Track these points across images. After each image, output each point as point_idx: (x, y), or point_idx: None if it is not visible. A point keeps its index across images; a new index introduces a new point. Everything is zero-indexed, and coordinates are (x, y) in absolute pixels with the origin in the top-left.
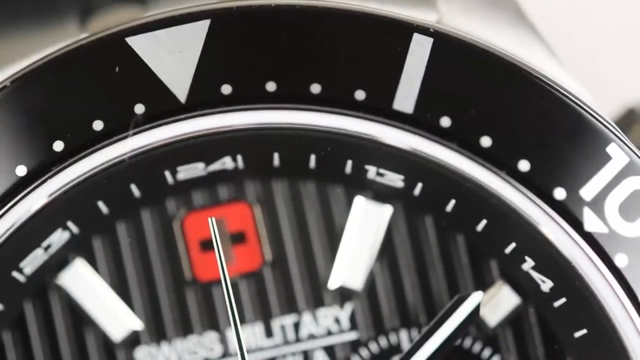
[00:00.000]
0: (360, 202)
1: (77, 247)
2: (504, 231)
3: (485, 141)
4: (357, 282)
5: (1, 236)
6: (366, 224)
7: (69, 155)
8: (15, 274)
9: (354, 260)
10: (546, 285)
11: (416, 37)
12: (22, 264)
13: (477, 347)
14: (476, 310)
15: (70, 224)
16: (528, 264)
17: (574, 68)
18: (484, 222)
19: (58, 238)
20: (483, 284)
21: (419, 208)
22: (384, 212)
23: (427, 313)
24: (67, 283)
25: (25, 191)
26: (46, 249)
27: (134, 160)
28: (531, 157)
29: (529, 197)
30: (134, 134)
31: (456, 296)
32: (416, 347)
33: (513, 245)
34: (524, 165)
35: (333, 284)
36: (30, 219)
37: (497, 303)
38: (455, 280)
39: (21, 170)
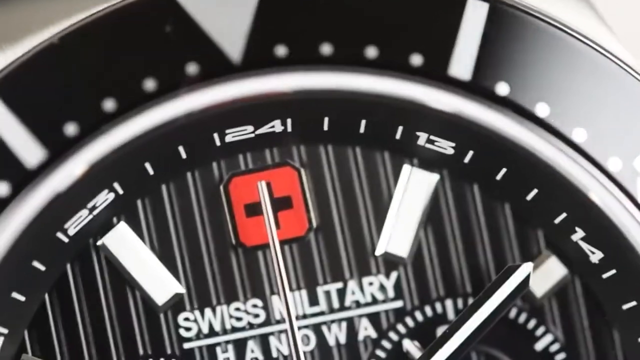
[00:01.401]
0: (408, 169)
1: (122, 209)
2: (554, 201)
3: (541, 109)
4: (403, 250)
5: (48, 197)
6: (414, 191)
7: (118, 114)
8: (59, 234)
9: (400, 227)
10: (595, 256)
11: (472, 1)
12: (66, 225)
13: (522, 318)
14: (526, 281)
15: (116, 185)
16: (578, 235)
17: (625, 37)
18: (534, 191)
19: (103, 199)
20: (530, 255)
21: (468, 176)
22: (432, 179)
23: (473, 283)
24: (110, 245)
25: (74, 151)
26: (91, 210)
27: (183, 121)
28: (587, 126)
29: (582, 167)
30: (185, 93)
31: (506, 267)
32: (464, 317)
33: (563, 215)
34: (579, 135)
35: (379, 251)
36: (77, 180)
37: (544, 274)
38: (502, 250)
39: (70, 130)
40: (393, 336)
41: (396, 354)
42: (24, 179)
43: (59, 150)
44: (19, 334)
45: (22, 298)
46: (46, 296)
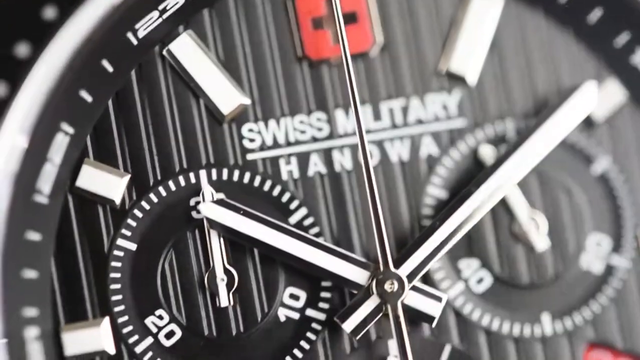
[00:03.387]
0: None
1: (188, 18)
2: (618, 21)
3: None
4: (466, 69)
5: None
6: (479, 12)
7: None
8: (129, 35)
9: (465, 47)
10: None
11: None
12: (137, 25)
13: (582, 142)
14: (589, 100)
15: None
16: (638, 57)
17: None
18: (598, 12)
19: (174, 2)
20: (590, 77)
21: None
22: (498, 1)
23: (534, 104)
24: (176, 52)
25: None
26: (162, 12)
27: None
28: None
29: None
30: None
31: (569, 87)
32: (526, 135)
33: (626, 35)
34: None
35: (443, 69)
36: None
37: (604, 97)
38: (561, 75)
39: None
40: (454, 154)
41: (457, 172)
42: None
43: None
44: (83, 136)
45: (89, 98)
46: (110, 102)
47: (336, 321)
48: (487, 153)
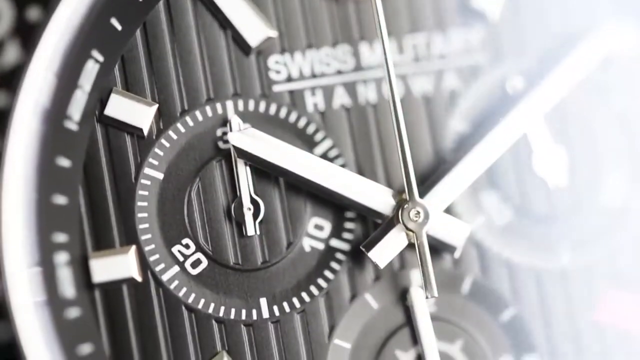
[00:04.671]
0: None
1: None
2: None
3: None
4: (489, 4)
5: None
6: None
7: None
8: None
9: None
10: None
11: None
12: None
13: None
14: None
15: None
16: None
17: None
18: None
19: None
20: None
21: None
22: None
23: (556, 40)
24: None
25: None
26: None
27: None
28: None
29: None
30: None
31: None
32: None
33: None
34: None
35: (465, 4)
36: None
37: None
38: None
39: None
40: (478, 88)
41: (480, 106)
42: None
43: None
44: (112, 65)
45: (119, 27)
46: (139, 31)
47: (362, 250)
48: (515, 85)
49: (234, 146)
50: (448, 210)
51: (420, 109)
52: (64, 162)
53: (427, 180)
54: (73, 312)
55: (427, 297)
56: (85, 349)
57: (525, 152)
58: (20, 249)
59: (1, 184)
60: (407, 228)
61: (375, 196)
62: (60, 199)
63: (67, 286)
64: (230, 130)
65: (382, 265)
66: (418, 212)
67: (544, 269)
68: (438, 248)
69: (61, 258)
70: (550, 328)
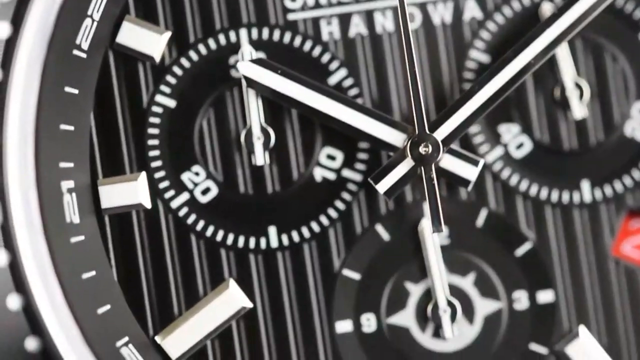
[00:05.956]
0: None
1: None
2: None
3: None
4: None
5: None
6: None
7: None
8: None
9: None
10: None
11: None
12: None
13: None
14: None
15: None
16: None
17: None
18: None
19: None
20: None
21: None
22: None
23: None
24: None
25: None
26: None
27: None
28: None
29: None
30: None
31: None
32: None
33: None
34: None
35: None
36: None
37: None
38: None
39: None
40: (499, 18)
41: (501, 36)
42: None
43: None
44: None
45: None
46: None
47: (370, 182)
48: (547, 9)
49: (244, 75)
50: (465, 142)
51: (439, 38)
52: (71, 90)
53: (442, 112)
54: (78, 239)
55: (433, 232)
56: (90, 274)
57: (548, 83)
58: (24, 175)
59: (6, 114)
60: (416, 161)
61: (386, 128)
62: (68, 127)
63: (74, 213)
64: (242, 59)
65: (390, 198)
66: (427, 146)
67: (563, 202)
68: (451, 181)
69: (67, 185)
70: (566, 263)
